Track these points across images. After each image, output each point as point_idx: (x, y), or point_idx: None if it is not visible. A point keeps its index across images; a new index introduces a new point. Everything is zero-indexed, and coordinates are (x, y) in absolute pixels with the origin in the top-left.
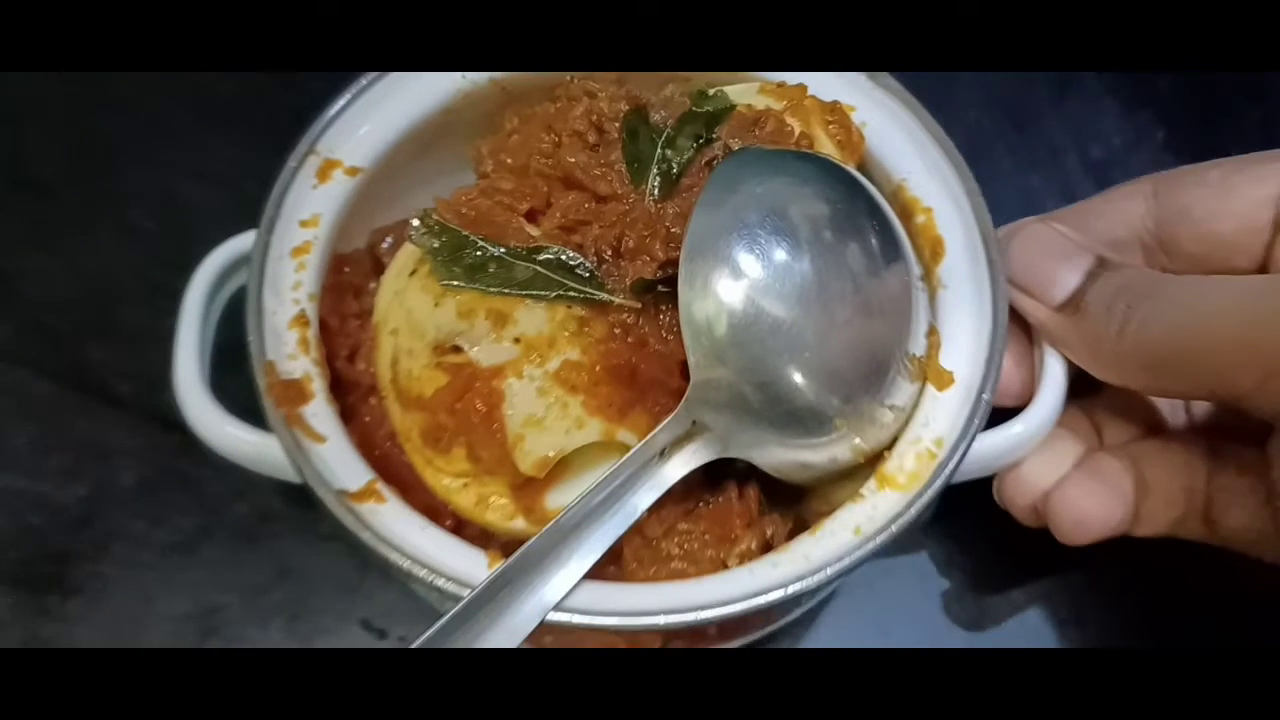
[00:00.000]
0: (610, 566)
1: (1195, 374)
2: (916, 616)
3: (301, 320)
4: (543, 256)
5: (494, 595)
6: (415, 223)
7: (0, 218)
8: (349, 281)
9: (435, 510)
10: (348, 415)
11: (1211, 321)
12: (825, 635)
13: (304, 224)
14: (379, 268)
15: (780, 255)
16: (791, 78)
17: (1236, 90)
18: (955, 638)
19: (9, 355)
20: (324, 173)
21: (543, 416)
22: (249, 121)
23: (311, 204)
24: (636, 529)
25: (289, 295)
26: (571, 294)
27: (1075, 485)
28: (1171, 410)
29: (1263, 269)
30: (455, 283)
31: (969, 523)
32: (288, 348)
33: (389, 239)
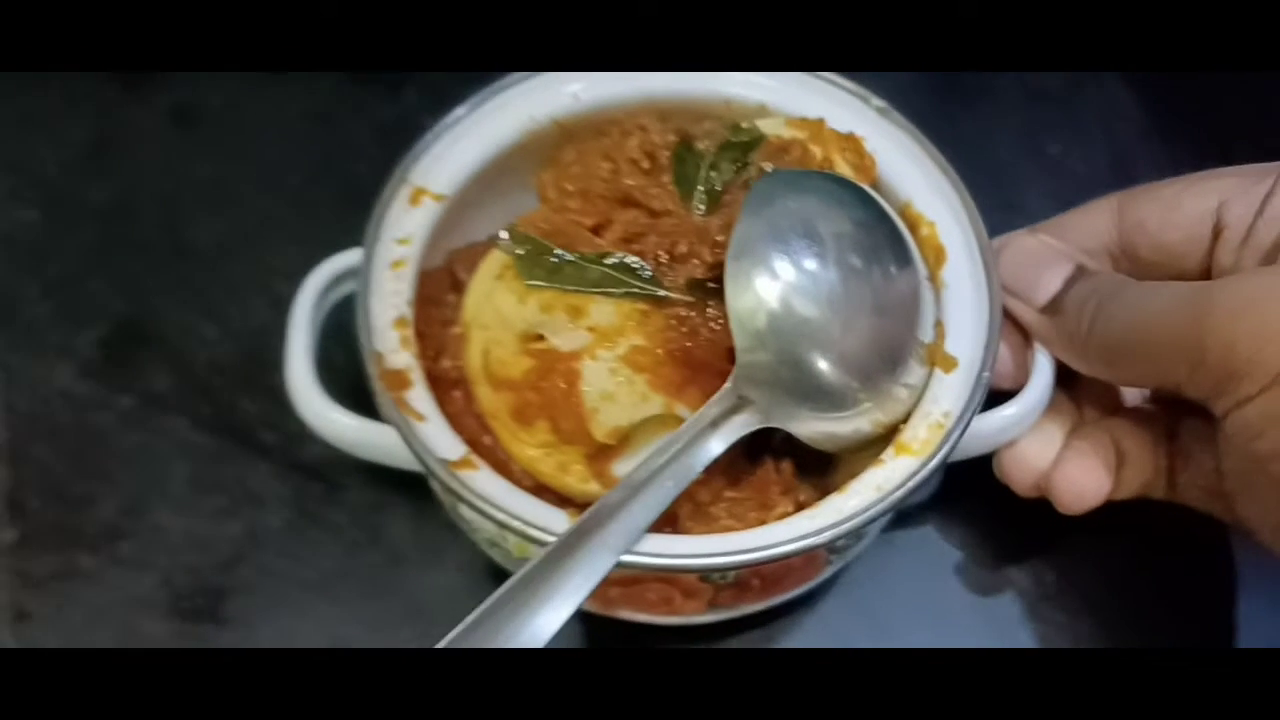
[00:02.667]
0: (667, 528)
1: (1144, 366)
2: (921, 595)
3: (402, 322)
4: (609, 261)
5: (576, 541)
6: (503, 235)
7: (162, 282)
8: (430, 294)
9: (514, 480)
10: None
11: (1153, 321)
12: (834, 614)
13: (399, 241)
14: (454, 283)
15: (810, 261)
16: (811, 113)
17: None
18: (959, 610)
19: (169, 406)
20: (415, 198)
21: (614, 392)
22: None
23: (405, 225)
24: (689, 495)
25: (390, 300)
26: (635, 291)
27: (1072, 463)
28: (1140, 390)
29: (1206, 272)
30: (538, 282)
31: (967, 506)
32: (391, 344)
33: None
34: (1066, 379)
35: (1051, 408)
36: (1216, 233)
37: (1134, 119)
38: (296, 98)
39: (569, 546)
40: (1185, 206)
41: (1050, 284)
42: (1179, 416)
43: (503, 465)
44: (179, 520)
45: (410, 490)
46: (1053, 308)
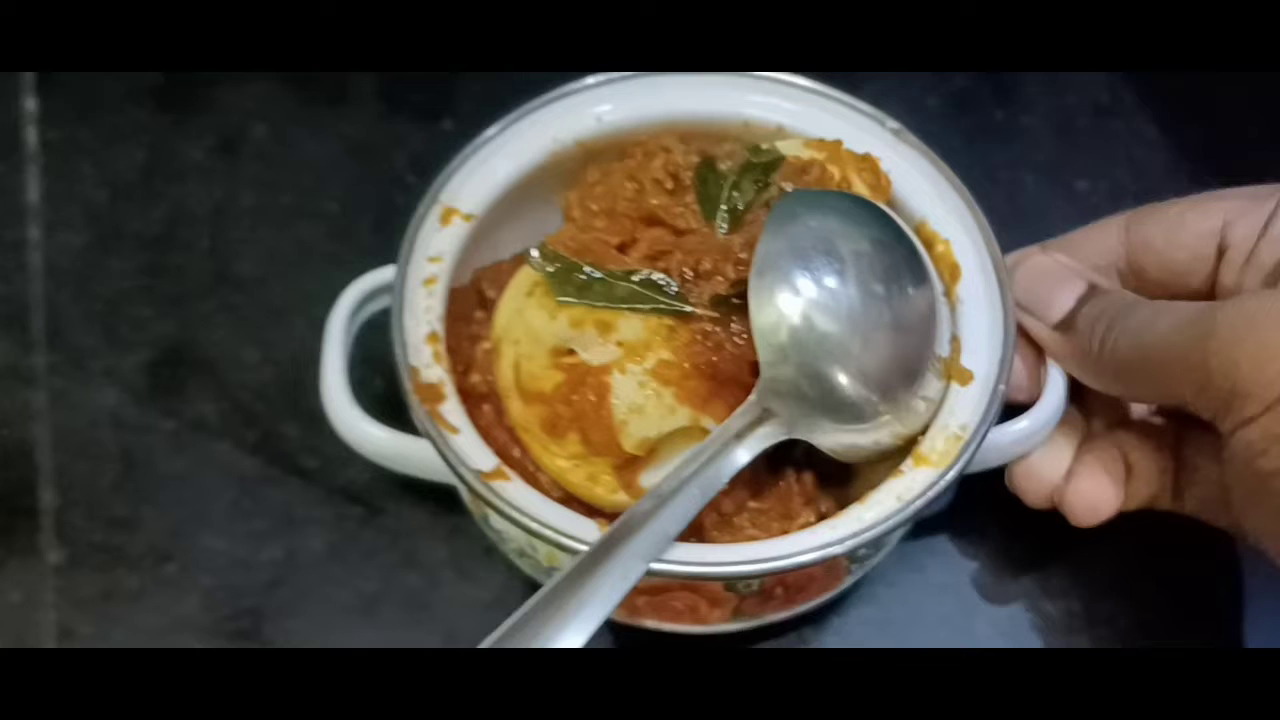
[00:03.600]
0: (693, 538)
1: (1152, 384)
2: (936, 603)
3: (434, 338)
4: (637, 278)
5: (608, 549)
6: (534, 253)
7: (206, 308)
8: (459, 311)
9: (542, 491)
10: None
11: (1160, 342)
12: (851, 623)
13: (431, 259)
14: (481, 300)
15: (830, 278)
16: (828, 134)
17: None
18: (973, 616)
19: (213, 430)
20: (445, 218)
21: (642, 404)
22: None
23: (436, 243)
24: (714, 506)
25: (423, 317)
26: (662, 307)
27: (1084, 478)
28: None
29: (1211, 290)
30: (569, 299)
31: (979, 517)
32: (424, 358)
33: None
34: (1074, 391)
35: (1061, 420)
36: (1220, 252)
37: (1161, 154)
38: (336, 129)
39: (601, 554)
40: (1190, 226)
41: (1063, 302)
42: (1183, 428)
43: (531, 476)
44: (222, 542)
45: (447, 514)
46: (1065, 325)
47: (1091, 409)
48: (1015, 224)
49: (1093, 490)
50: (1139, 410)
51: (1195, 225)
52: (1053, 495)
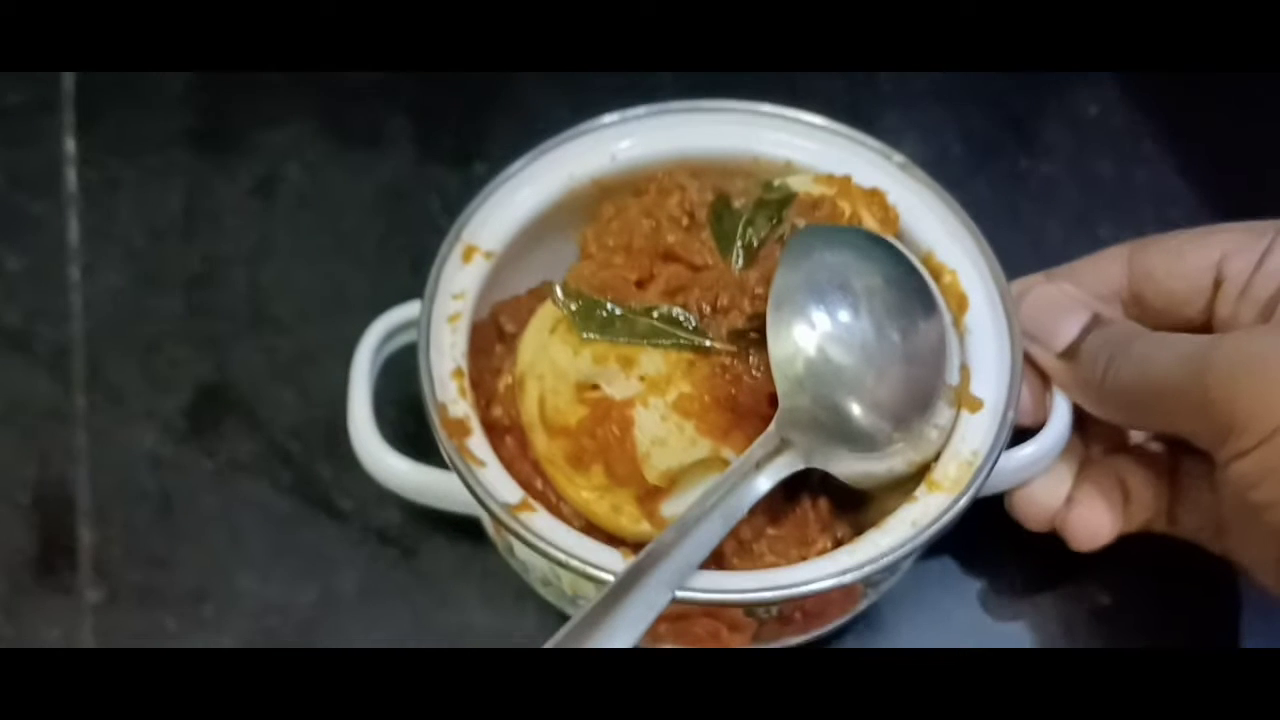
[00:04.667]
0: (713, 565)
1: (1152, 415)
2: (944, 624)
3: (459, 373)
4: (657, 313)
5: (636, 576)
6: (559, 292)
7: (244, 348)
8: (480, 345)
9: (565, 521)
10: None
11: (1161, 373)
12: (865, 644)
13: (455, 297)
14: (501, 335)
15: (844, 312)
16: (836, 169)
17: None
18: (978, 632)
19: (251, 471)
20: (467, 255)
21: (665, 437)
22: None
23: (459, 280)
24: (733, 533)
25: (448, 353)
26: (682, 342)
27: (1083, 504)
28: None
29: (1208, 320)
30: (591, 335)
31: (983, 539)
32: (450, 394)
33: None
34: (1074, 418)
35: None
36: (1217, 284)
37: (1184, 203)
38: (371, 171)
39: (628, 584)
40: (1189, 258)
41: (1068, 331)
42: (1180, 455)
43: (554, 506)
44: (257, 583)
45: (479, 555)
46: (1069, 354)
47: (1090, 435)
48: (1038, 270)
49: (1093, 516)
50: (1137, 436)
51: (1194, 258)
52: (1053, 520)
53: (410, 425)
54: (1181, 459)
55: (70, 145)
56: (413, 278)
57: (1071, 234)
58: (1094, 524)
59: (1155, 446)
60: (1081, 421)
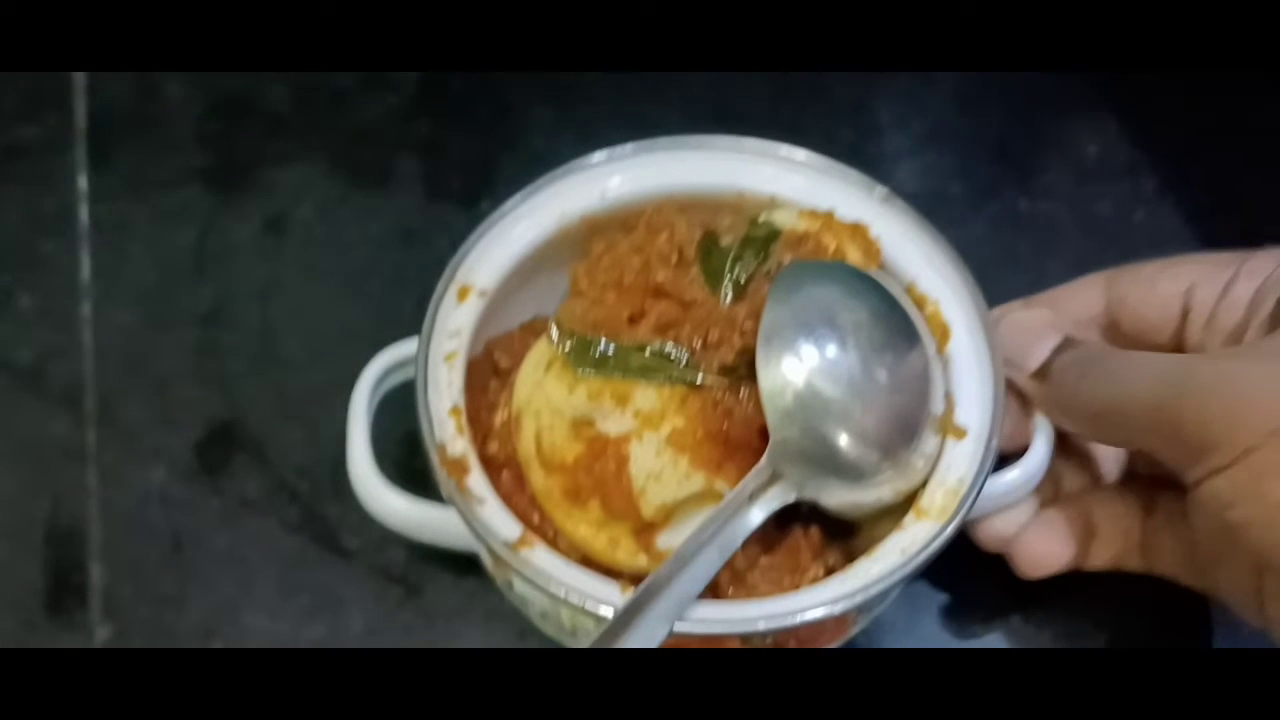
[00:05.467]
0: (709, 595)
1: (1122, 430)
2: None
3: (456, 411)
4: (649, 350)
5: (635, 610)
6: (553, 330)
7: (253, 387)
8: (475, 382)
9: (561, 555)
10: None
11: (1130, 390)
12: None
13: (451, 335)
14: (495, 370)
15: (831, 346)
16: (820, 203)
17: None
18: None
19: (260, 509)
20: (462, 294)
21: (659, 471)
22: None
23: (455, 319)
24: (728, 564)
25: (445, 391)
26: (674, 377)
27: (1033, 532)
28: (1117, 462)
29: (1178, 346)
30: (586, 372)
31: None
32: (448, 432)
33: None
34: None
35: None
36: (1185, 312)
37: (1183, 244)
38: (381, 210)
39: (629, 617)
40: (1160, 287)
41: (1040, 352)
42: (1155, 492)
43: (551, 540)
44: (265, 621)
45: (483, 595)
46: (1041, 374)
47: (1063, 470)
48: None
49: (1039, 545)
50: (1110, 474)
51: (1164, 287)
52: (1003, 547)
53: (418, 462)
54: (1157, 496)
55: (83, 183)
56: (420, 316)
57: (1071, 274)
58: (1039, 553)
59: (1129, 485)
60: (1055, 457)
